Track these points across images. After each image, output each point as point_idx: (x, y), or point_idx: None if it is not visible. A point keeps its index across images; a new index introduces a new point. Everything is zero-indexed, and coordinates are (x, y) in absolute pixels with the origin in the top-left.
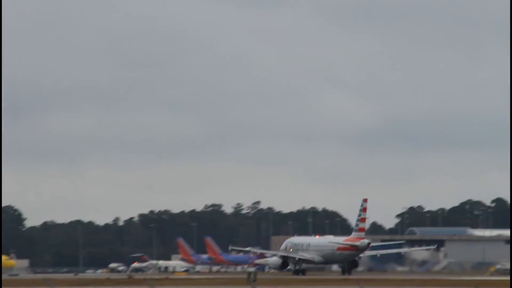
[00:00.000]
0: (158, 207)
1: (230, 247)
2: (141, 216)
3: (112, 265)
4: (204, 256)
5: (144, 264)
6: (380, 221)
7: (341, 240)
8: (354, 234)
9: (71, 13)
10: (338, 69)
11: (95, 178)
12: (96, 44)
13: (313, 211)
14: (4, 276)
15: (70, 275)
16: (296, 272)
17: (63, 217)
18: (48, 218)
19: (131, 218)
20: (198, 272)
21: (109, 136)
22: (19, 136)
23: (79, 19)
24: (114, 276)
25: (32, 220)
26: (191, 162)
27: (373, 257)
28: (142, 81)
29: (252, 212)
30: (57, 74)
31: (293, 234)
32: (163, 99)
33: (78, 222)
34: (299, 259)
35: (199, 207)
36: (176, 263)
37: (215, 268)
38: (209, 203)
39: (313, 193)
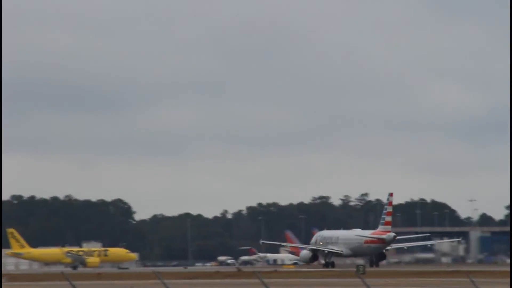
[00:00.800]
0: (265, 200)
1: (261, 241)
2: (249, 208)
3: (221, 258)
4: None
5: (252, 257)
6: (490, 212)
7: (368, 233)
8: (380, 228)
9: (175, 5)
10: (446, 59)
11: (202, 170)
12: (199, 37)
13: (421, 203)
14: (113, 269)
15: (180, 268)
16: (326, 265)
17: (172, 210)
18: (157, 211)
19: (240, 211)
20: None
21: (215, 128)
22: (125, 130)
23: (182, 11)
24: (223, 269)
25: (142, 213)
26: (298, 153)
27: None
28: (245, 73)
29: (360, 204)
30: (160, 67)
31: (401, 227)
32: (268, 90)
33: (187, 215)
34: (329, 252)
35: (306, 199)
36: (284, 256)
37: (323, 261)
38: (317, 195)
39: (421, 185)
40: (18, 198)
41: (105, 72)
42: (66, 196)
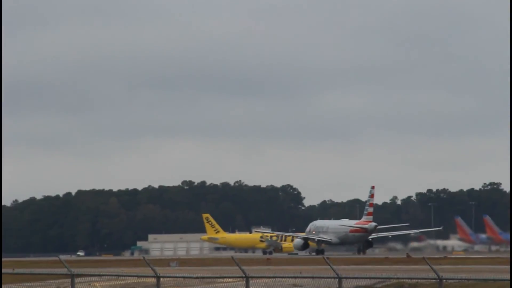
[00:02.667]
0: (435, 186)
1: (253, 230)
2: (419, 195)
3: (390, 244)
4: (483, 236)
5: (422, 243)
6: None
7: (353, 223)
8: (364, 218)
9: None
10: None
11: (371, 156)
12: (368, 23)
13: None
14: (282, 255)
15: (349, 254)
16: (316, 251)
17: (341, 196)
18: (326, 197)
19: (409, 197)
20: (477, 252)
21: (384, 114)
22: (294, 116)
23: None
24: (392, 255)
25: (311, 199)
26: (468, 139)
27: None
28: (416, 59)
29: None
30: (331, 54)
31: None
32: (439, 76)
33: (356, 201)
34: (318, 240)
35: (477, 186)
36: (453, 243)
37: (494, 248)
38: (488, 181)
39: None
40: (189, 183)
41: (275, 58)
42: (236, 182)
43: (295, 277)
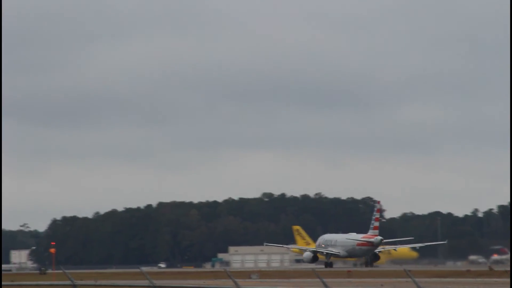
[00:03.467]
0: None
1: (265, 244)
2: (501, 207)
3: (472, 257)
4: None
5: (504, 257)
6: None
7: (360, 237)
8: (370, 232)
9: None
10: None
11: (452, 168)
12: (447, 32)
13: None
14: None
15: (430, 267)
16: (326, 264)
17: (421, 208)
18: (407, 209)
19: (490, 210)
20: None
21: (464, 125)
22: (373, 128)
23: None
24: (474, 267)
25: (391, 211)
26: None
27: None
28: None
29: None
30: (410, 64)
31: None
32: None
33: (437, 214)
34: (327, 253)
35: None
36: None
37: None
38: None
39: None
40: (269, 195)
41: (353, 69)
42: (316, 194)
43: None
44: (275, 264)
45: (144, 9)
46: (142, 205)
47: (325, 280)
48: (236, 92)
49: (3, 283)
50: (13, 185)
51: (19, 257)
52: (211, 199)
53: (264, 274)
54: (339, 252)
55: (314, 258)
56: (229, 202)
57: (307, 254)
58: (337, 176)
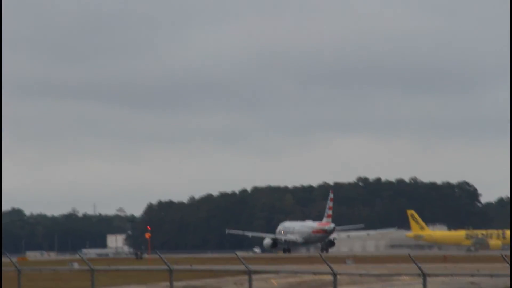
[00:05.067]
0: None
1: (227, 231)
2: None
3: None
4: None
5: None
6: None
7: (315, 224)
8: (324, 220)
9: None
10: None
11: None
12: None
13: None
14: (459, 252)
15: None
16: (284, 250)
17: None
18: (503, 194)
19: None
20: None
21: None
22: (469, 111)
23: None
24: None
25: (488, 196)
26: None
27: None
28: None
29: None
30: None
31: None
32: None
33: None
34: (285, 240)
35: None
36: None
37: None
38: None
39: None
40: (364, 180)
41: (448, 53)
42: (411, 179)
43: (472, 275)
44: (370, 249)
45: None
46: (237, 189)
47: (421, 265)
48: (330, 75)
49: (101, 267)
50: (110, 169)
51: (115, 242)
52: (306, 184)
53: (359, 259)
54: (296, 239)
55: (274, 245)
56: (323, 186)
57: (267, 241)
58: (433, 160)
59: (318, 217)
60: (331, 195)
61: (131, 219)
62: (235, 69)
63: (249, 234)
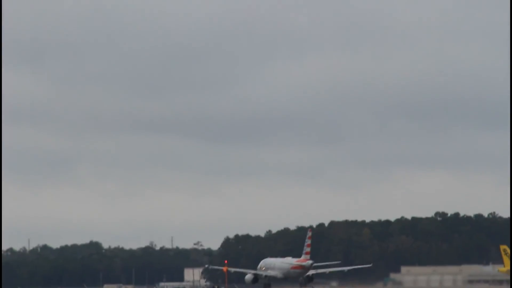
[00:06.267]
0: None
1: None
2: None
3: None
4: None
5: None
6: None
7: (294, 261)
8: (303, 257)
9: None
10: None
11: None
12: None
13: None
14: None
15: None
16: (264, 285)
17: None
18: None
19: None
20: None
21: None
22: None
23: None
24: None
25: None
26: None
27: None
28: None
29: None
30: None
31: None
32: None
33: None
34: (265, 275)
35: None
36: None
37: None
38: None
39: None
40: (442, 215)
41: None
42: (490, 213)
43: None
44: (448, 284)
45: (316, 25)
46: (314, 223)
47: None
48: (408, 109)
49: None
50: (187, 203)
51: (192, 275)
52: (383, 218)
53: None
54: (276, 275)
55: (254, 280)
56: (401, 221)
57: (248, 276)
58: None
59: (395, 252)
60: (309, 233)
61: (208, 252)
62: (314, 102)
63: (232, 270)
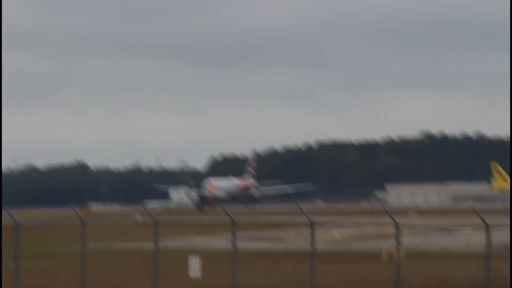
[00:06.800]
0: None
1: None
2: None
3: None
4: None
5: None
6: None
7: (237, 181)
8: (246, 177)
9: None
10: None
11: None
12: None
13: None
14: None
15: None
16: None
17: None
18: None
19: None
20: None
21: None
22: None
23: None
24: None
25: None
26: None
27: None
28: None
29: None
30: None
31: None
32: None
33: None
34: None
35: None
36: None
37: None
38: None
39: None
40: (429, 135)
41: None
42: (476, 132)
43: None
44: (433, 200)
45: None
46: (301, 145)
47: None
48: (395, 31)
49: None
50: (173, 123)
51: (178, 194)
52: (369, 138)
53: (422, 212)
54: (221, 195)
55: (200, 200)
56: (387, 141)
57: (193, 195)
58: (499, 116)
59: (381, 172)
60: (253, 156)
61: (195, 173)
62: (302, 27)
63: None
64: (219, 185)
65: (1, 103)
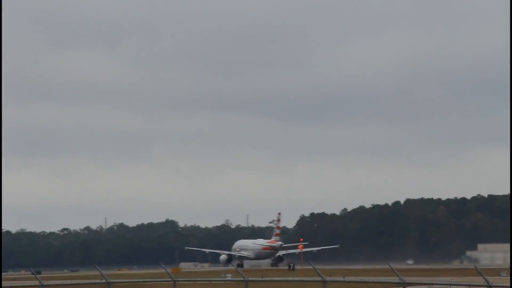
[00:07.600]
0: None
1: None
2: None
3: None
4: None
5: None
6: None
7: (265, 242)
8: (273, 238)
9: None
10: None
11: None
12: None
13: None
14: None
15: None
16: (237, 265)
17: None
18: None
19: None
20: None
21: None
22: None
23: None
24: None
25: None
26: None
27: None
28: None
29: None
30: None
31: None
32: None
33: None
34: (239, 256)
35: None
36: None
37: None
38: None
39: None
40: None
41: None
42: None
43: None
44: None
45: (392, 5)
46: (390, 201)
47: None
48: (485, 85)
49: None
50: (263, 182)
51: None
52: (459, 196)
53: None
54: (248, 255)
55: (228, 260)
56: (478, 198)
57: (223, 257)
58: None
59: (473, 230)
60: (279, 216)
61: (284, 230)
62: (390, 81)
63: (206, 250)
64: (248, 245)
65: (1, 105)
